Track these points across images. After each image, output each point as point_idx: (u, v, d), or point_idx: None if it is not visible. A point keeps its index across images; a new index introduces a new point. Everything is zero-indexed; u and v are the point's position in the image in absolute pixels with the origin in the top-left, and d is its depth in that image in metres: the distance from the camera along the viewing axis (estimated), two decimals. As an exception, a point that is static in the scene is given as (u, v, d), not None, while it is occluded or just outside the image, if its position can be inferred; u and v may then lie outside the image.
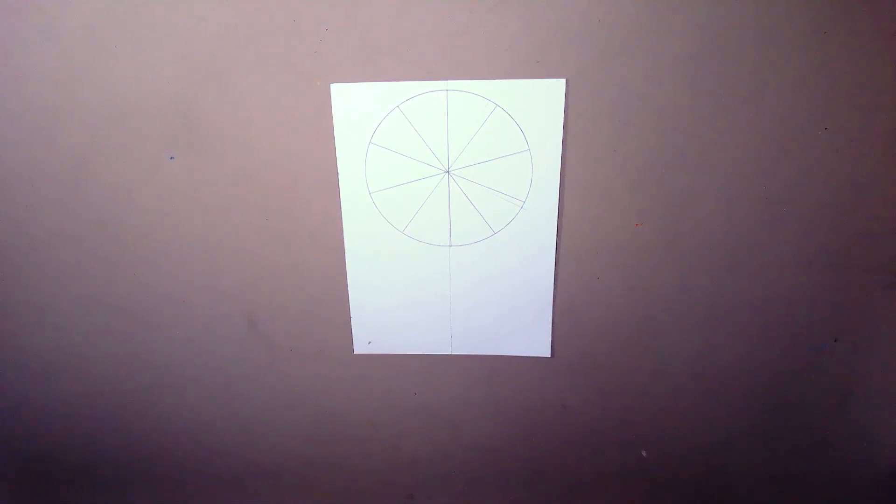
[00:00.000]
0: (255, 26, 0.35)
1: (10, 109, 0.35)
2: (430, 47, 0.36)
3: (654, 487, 0.49)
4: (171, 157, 0.37)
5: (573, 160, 0.39)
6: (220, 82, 0.35)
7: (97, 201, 0.37)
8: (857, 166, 0.40)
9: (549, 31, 0.36)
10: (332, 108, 0.36)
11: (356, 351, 0.41)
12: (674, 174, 0.40)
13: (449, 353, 0.42)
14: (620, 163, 0.39)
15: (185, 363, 0.42)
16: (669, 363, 0.45)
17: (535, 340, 0.42)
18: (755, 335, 0.44)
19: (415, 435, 0.45)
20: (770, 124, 0.39)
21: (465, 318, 0.41)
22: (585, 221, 0.40)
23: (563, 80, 0.36)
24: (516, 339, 0.42)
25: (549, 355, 0.43)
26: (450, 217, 0.39)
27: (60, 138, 0.36)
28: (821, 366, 0.46)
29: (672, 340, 0.44)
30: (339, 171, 0.37)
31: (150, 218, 0.38)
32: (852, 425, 0.48)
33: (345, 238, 0.39)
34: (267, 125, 0.37)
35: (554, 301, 0.42)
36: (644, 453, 0.48)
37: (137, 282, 0.39)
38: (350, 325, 0.41)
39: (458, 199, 0.38)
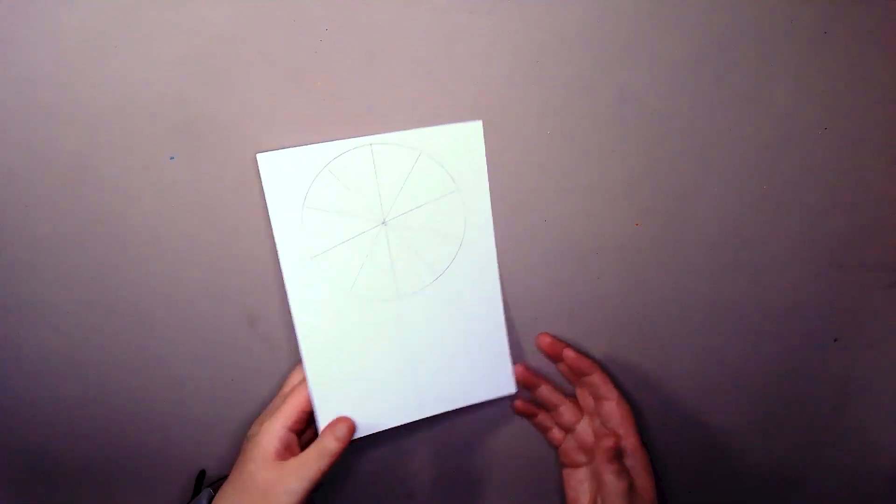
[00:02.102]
0: (256, 26, 0.35)
1: (10, 109, 0.35)
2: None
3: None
4: (171, 157, 0.37)
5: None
6: (220, 82, 0.35)
7: (97, 201, 0.37)
8: (857, 166, 0.40)
9: (545, 36, 0.36)
10: (260, 177, 0.36)
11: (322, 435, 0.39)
12: (673, 174, 0.40)
13: (420, 417, 0.41)
14: (620, 163, 0.39)
15: (185, 363, 0.42)
16: (669, 363, 0.45)
17: (498, 379, 0.42)
18: (755, 335, 0.44)
19: (415, 435, 0.45)
20: (770, 124, 0.39)
21: (427, 373, 0.41)
22: (585, 222, 0.40)
23: (480, 122, 0.38)
24: (479, 384, 0.42)
25: (514, 391, 0.43)
26: (393, 268, 0.39)
27: (60, 138, 0.36)
28: (821, 366, 0.46)
29: (672, 340, 0.44)
30: (276, 239, 0.37)
31: (150, 218, 0.38)
32: (852, 425, 0.48)
33: (291, 310, 0.38)
34: (266, 126, 0.37)
35: (509, 334, 0.42)
36: (644, 453, 0.48)
37: (137, 282, 0.39)
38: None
39: (397, 248, 0.39)
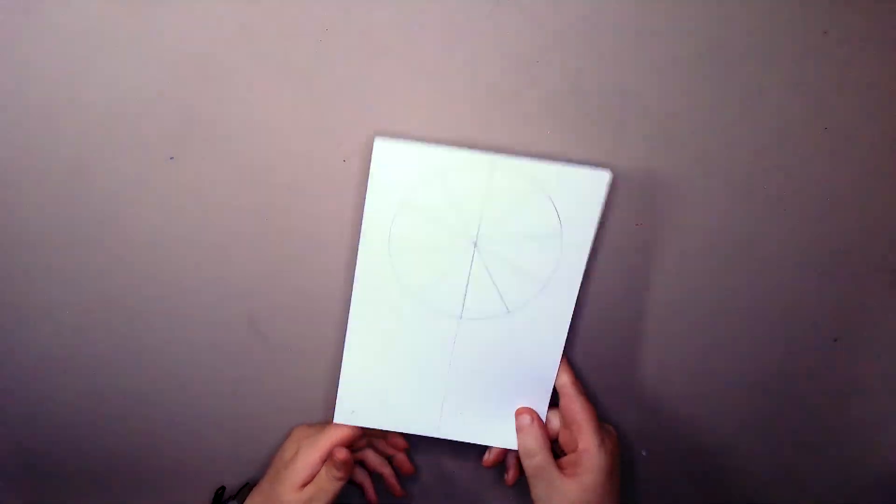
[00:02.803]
0: (256, 26, 0.35)
1: (10, 109, 0.35)
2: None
3: (654, 487, 0.49)
4: (171, 158, 0.37)
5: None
6: (220, 82, 0.35)
7: (97, 201, 0.37)
8: (857, 166, 0.40)
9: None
10: (370, 162, 0.35)
11: (336, 421, 0.40)
12: (673, 174, 0.40)
13: (435, 436, 0.41)
14: (620, 163, 0.39)
15: (185, 363, 0.42)
16: (669, 363, 0.45)
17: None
18: (755, 335, 0.44)
19: (414, 435, 0.44)
20: (770, 124, 0.39)
21: (460, 399, 0.40)
22: (585, 221, 0.40)
23: (608, 173, 0.36)
24: (505, 429, 0.41)
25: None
26: (466, 289, 0.38)
27: (60, 138, 0.36)
28: (821, 366, 0.46)
29: (672, 340, 0.44)
30: (363, 228, 0.36)
31: (150, 218, 0.38)
32: (852, 425, 0.48)
33: (352, 297, 0.37)
34: (266, 126, 0.37)
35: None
36: (644, 453, 0.48)
37: (137, 282, 0.39)
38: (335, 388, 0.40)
39: (479, 271, 0.37)
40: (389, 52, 0.36)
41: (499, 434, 0.41)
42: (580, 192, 0.37)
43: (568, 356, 0.43)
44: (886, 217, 0.42)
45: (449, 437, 0.41)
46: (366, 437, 0.43)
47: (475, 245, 0.37)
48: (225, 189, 0.38)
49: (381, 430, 0.42)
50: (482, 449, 0.43)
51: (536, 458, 0.39)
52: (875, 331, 0.45)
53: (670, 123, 0.39)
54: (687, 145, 0.39)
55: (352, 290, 0.37)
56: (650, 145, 0.39)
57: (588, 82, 0.38)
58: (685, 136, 0.39)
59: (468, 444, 0.42)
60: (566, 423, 0.40)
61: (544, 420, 0.41)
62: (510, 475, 0.43)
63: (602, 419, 0.45)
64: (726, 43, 0.37)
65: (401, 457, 0.44)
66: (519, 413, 0.41)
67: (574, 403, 0.40)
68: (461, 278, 0.37)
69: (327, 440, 0.39)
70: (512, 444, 0.41)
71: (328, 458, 0.39)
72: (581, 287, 0.39)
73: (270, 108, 0.36)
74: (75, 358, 0.41)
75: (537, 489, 0.39)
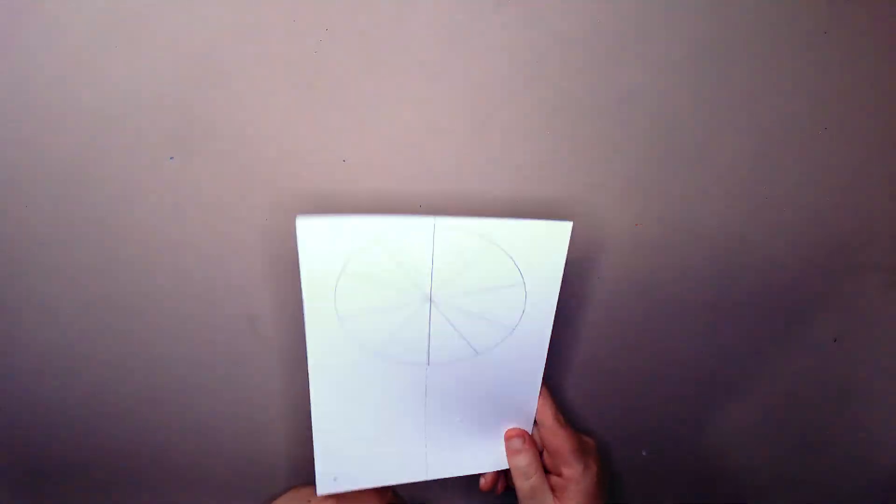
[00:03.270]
0: (256, 26, 0.35)
1: (10, 109, 0.35)
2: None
3: (654, 487, 0.49)
4: (171, 158, 0.37)
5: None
6: (220, 82, 0.35)
7: (97, 201, 0.37)
8: (857, 166, 0.40)
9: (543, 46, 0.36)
10: (296, 241, 0.32)
11: (320, 493, 0.38)
12: (673, 174, 0.40)
13: (424, 479, 0.40)
14: (620, 163, 0.39)
15: (185, 363, 0.42)
16: (669, 363, 0.45)
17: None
18: (755, 335, 0.44)
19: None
20: (770, 124, 0.39)
21: (442, 439, 0.39)
22: (585, 222, 0.40)
23: (570, 223, 0.34)
24: (494, 455, 0.40)
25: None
26: (429, 339, 0.35)
27: (60, 138, 0.36)
28: (821, 366, 0.46)
29: (672, 340, 0.44)
30: (304, 299, 0.32)
31: (149, 218, 0.38)
32: (852, 425, 0.48)
33: (309, 366, 0.34)
34: (266, 126, 0.37)
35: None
36: (644, 453, 0.48)
37: (137, 282, 0.39)
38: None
39: (439, 323, 0.35)
40: (389, 53, 0.36)
41: (487, 458, 0.41)
42: (542, 245, 0.34)
43: (567, 357, 0.43)
44: (886, 217, 0.42)
45: (439, 477, 0.40)
46: None
47: (430, 300, 0.34)
48: (225, 189, 0.38)
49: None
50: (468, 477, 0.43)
51: (532, 480, 0.39)
52: (875, 331, 0.45)
53: (670, 123, 0.39)
54: (687, 145, 0.39)
55: (307, 359, 0.35)
56: (650, 145, 0.39)
57: (588, 82, 0.38)
58: (685, 136, 0.39)
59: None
60: (549, 452, 0.40)
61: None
62: (499, 486, 0.43)
63: (602, 419, 0.45)
64: (726, 43, 0.37)
65: None
66: (509, 436, 0.40)
67: (556, 437, 0.39)
68: (421, 331, 0.35)
69: None
70: (502, 463, 0.41)
71: None
72: (579, 287, 0.39)
73: (270, 108, 0.36)
74: (75, 358, 0.41)
75: None
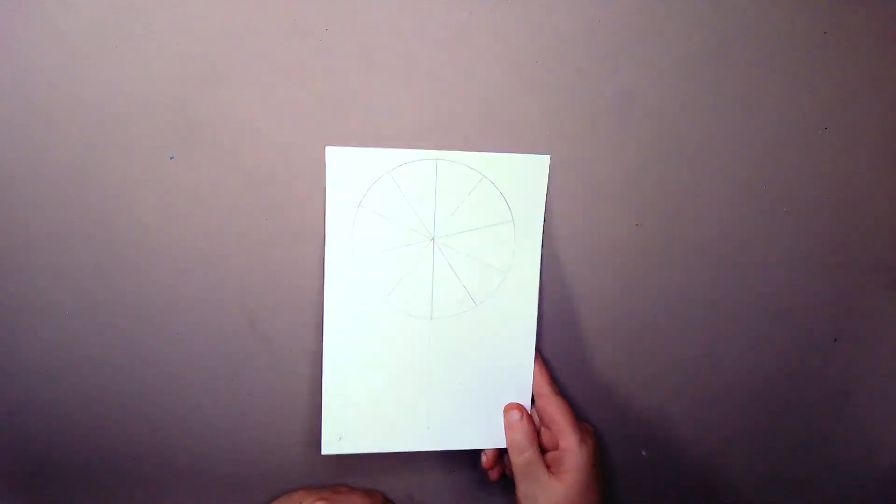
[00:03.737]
0: (256, 26, 0.35)
1: (10, 109, 0.35)
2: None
3: (654, 487, 0.49)
4: (171, 157, 0.37)
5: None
6: (220, 82, 0.35)
7: (97, 201, 0.37)
8: (857, 166, 0.40)
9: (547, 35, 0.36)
10: (324, 168, 0.36)
11: (325, 451, 0.40)
12: (673, 174, 0.40)
13: (425, 448, 0.41)
14: (620, 163, 0.39)
15: (185, 363, 0.42)
16: (669, 363, 0.45)
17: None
18: (755, 335, 0.44)
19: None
20: (770, 124, 0.39)
21: (443, 406, 0.41)
22: (585, 221, 0.40)
23: (548, 156, 0.38)
24: (494, 433, 0.41)
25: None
26: (432, 286, 0.39)
27: (60, 138, 0.36)
28: (821, 366, 0.46)
29: (672, 340, 0.44)
30: (326, 233, 0.37)
31: (150, 218, 0.38)
32: (852, 425, 0.48)
33: (325, 306, 0.38)
34: (266, 126, 0.37)
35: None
36: (644, 453, 0.48)
37: (137, 282, 0.39)
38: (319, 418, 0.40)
39: (441, 268, 0.39)
40: (389, 53, 0.36)
41: (487, 436, 0.42)
42: (525, 178, 0.38)
43: (567, 356, 0.43)
44: (886, 217, 0.42)
45: (438, 448, 0.41)
46: None
47: (433, 240, 0.38)
48: (225, 189, 0.38)
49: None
50: (481, 449, 0.43)
51: (526, 454, 0.39)
52: (875, 331, 0.45)
53: (670, 123, 0.39)
54: (687, 145, 0.39)
55: (323, 301, 0.38)
56: (650, 145, 0.39)
57: (588, 82, 0.38)
58: (685, 136, 0.39)
59: (443, 452, 0.42)
60: (545, 423, 0.41)
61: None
62: (495, 472, 0.43)
63: (602, 419, 0.45)
64: (726, 43, 0.37)
65: None
66: (508, 409, 0.41)
67: (551, 405, 0.40)
68: (426, 275, 0.39)
69: None
70: (500, 442, 0.41)
71: None
72: (579, 287, 0.39)
73: (270, 109, 0.36)
74: (75, 358, 0.41)
75: (524, 486, 0.39)
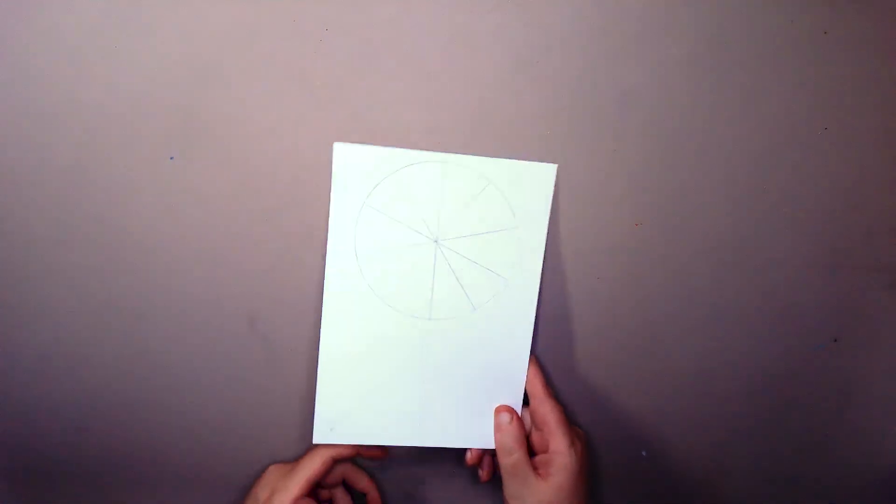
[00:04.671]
0: (256, 26, 0.35)
1: (10, 109, 0.35)
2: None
3: (655, 487, 0.49)
4: (171, 157, 0.37)
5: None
6: (220, 82, 0.35)
7: (97, 201, 0.37)
8: (857, 166, 0.40)
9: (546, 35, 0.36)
10: (330, 165, 0.36)
11: (316, 441, 0.40)
12: (674, 174, 0.40)
13: (416, 444, 0.41)
14: (620, 163, 0.39)
15: (185, 363, 0.42)
16: (669, 363, 0.45)
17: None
18: (755, 335, 0.44)
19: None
20: (770, 124, 0.39)
21: (436, 404, 0.41)
22: (585, 221, 0.40)
23: (555, 166, 0.38)
24: (484, 434, 0.42)
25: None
26: (433, 288, 0.39)
27: (60, 138, 0.36)
28: (821, 366, 0.46)
29: (672, 340, 0.44)
30: (329, 231, 0.37)
31: (150, 218, 0.38)
32: (852, 425, 0.48)
33: (324, 302, 0.38)
34: (266, 126, 0.37)
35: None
36: (644, 453, 0.48)
37: (137, 282, 0.39)
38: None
39: (443, 270, 0.39)
40: (390, 53, 0.36)
41: (477, 436, 0.42)
42: (530, 186, 0.38)
43: (567, 357, 0.43)
44: (886, 217, 0.42)
45: (429, 444, 0.41)
46: (340, 467, 0.42)
47: (436, 242, 0.38)
48: (225, 189, 0.38)
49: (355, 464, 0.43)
50: (452, 457, 0.43)
51: (514, 456, 0.39)
52: (875, 331, 0.45)
53: (670, 123, 0.39)
54: (687, 145, 0.39)
55: (323, 296, 0.38)
56: (650, 145, 0.39)
57: (588, 82, 0.38)
58: (685, 136, 0.39)
59: (440, 453, 0.42)
60: (536, 424, 0.41)
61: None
62: (485, 473, 0.44)
63: (602, 419, 0.45)
64: (726, 43, 0.37)
65: (373, 495, 0.44)
66: (498, 411, 0.41)
67: (544, 406, 0.40)
68: (426, 276, 0.39)
69: (297, 484, 0.39)
70: (490, 443, 0.42)
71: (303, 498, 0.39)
72: (578, 286, 0.39)
73: (270, 109, 0.36)
74: (75, 358, 0.41)
75: (511, 487, 0.39)
